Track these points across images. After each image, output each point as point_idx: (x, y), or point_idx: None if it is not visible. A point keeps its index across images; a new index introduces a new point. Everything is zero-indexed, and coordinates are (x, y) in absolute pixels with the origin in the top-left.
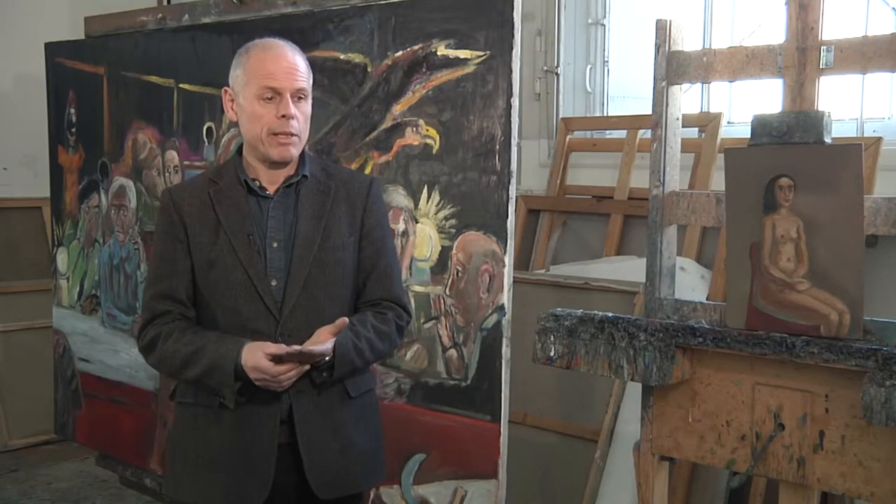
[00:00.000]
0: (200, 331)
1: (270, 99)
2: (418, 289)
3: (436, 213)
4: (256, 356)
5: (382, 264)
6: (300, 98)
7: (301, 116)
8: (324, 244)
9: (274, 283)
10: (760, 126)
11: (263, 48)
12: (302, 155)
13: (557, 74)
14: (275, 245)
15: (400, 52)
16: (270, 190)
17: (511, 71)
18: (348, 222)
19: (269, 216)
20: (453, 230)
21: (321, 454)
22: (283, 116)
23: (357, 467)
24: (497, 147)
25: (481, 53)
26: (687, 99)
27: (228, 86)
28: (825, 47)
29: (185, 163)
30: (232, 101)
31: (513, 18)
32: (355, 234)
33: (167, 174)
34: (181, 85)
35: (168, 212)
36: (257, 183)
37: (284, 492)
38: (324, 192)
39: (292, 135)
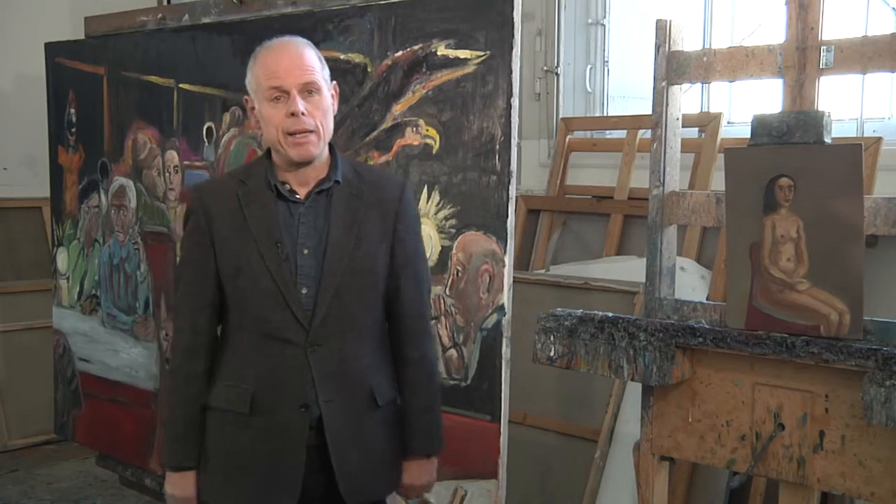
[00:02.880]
0: (193, 413)
1: (278, 99)
2: None
3: (436, 213)
4: (184, 489)
5: (412, 271)
6: (311, 92)
7: (315, 111)
8: (355, 252)
9: (304, 290)
10: (760, 126)
11: (267, 49)
12: (334, 157)
13: (557, 74)
14: (305, 252)
15: (400, 52)
16: (301, 194)
17: (511, 71)
18: (380, 228)
19: (300, 222)
20: (453, 230)
21: (352, 462)
22: (292, 114)
23: (382, 474)
24: (497, 147)
25: (481, 53)
26: (687, 99)
27: (247, 94)
28: (825, 47)
29: (185, 163)
30: (252, 108)
31: (513, 18)
32: (387, 241)
33: (167, 174)
34: (181, 85)
35: (196, 214)
36: (287, 187)
37: (311, 493)
38: (356, 196)
39: (307, 131)
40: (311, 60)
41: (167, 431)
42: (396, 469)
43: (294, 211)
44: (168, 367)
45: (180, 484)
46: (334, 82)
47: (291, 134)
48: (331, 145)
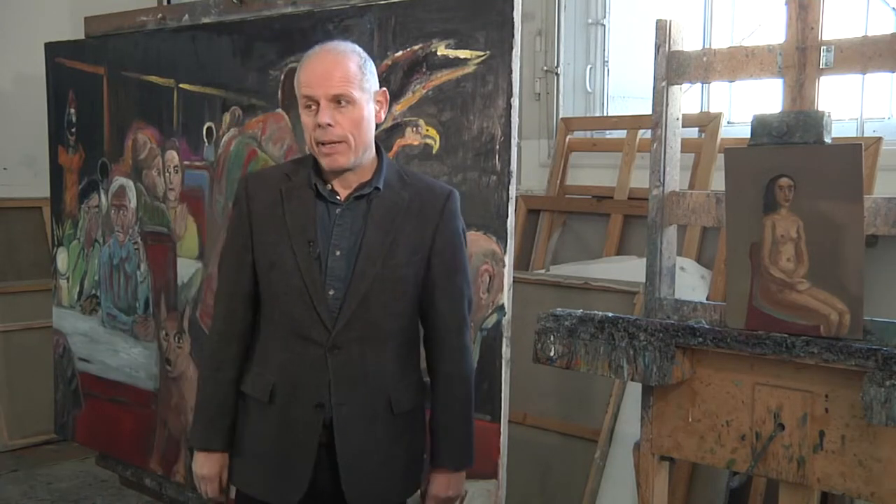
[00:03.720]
0: (223, 396)
1: (310, 107)
2: None
3: None
4: (210, 468)
5: (450, 284)
6: (341, 103)
7: (345, 121)
8: (388, 260)
9: (332, 292)
10: (760, 126)
11: (308, 56)
12: (380, 160)
13: (557, 74)
14: (338, 254)
15: (400, 52)
16: (342, 195)
17: (511, 71)
18: (418, 238)
19: (335, 223)
20: None
21: (360, 467)
22: (319, 125)
23: (391, 482)
24: (497, 147)
25: (481, 53)
26: (687, 99)
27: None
28: (825, 47)
29: (185, 163)
30: None
31: (513, 18)
32: (423, 252)
33: (167, 174)
34: (181, 85)
35: (240, 202)
36: (329, 187)
37: (321, 489)
38: (397, 203)
39: (335, 142)
40: (347, 70)
41: (197, 413)
42: (411, 478)
43: (332, 212)
44: (203, 351)
45: (206, 464)
46: (383, 89)
47: (320, 144)
48: (380, 149)
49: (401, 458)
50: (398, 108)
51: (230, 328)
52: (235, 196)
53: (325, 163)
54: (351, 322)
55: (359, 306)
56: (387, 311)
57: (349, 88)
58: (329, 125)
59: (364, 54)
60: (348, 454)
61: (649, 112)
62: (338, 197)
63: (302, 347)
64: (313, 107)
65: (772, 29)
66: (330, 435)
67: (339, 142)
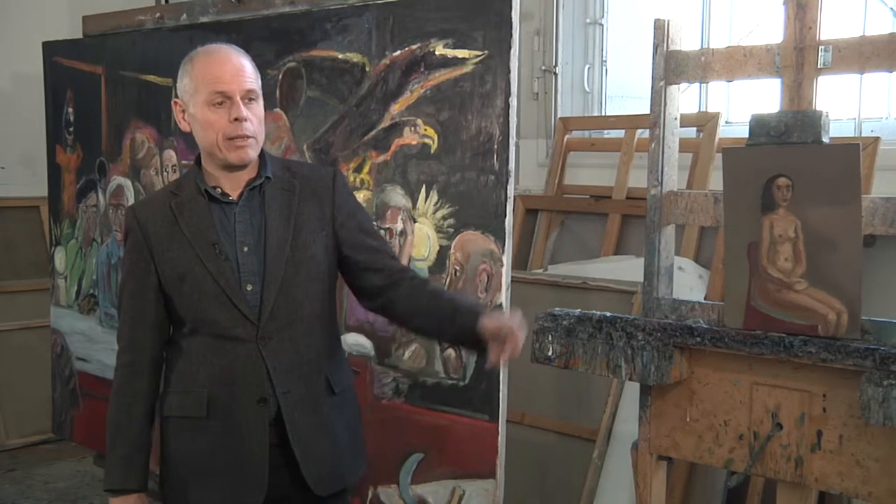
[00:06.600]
0: (138, 432)
1: (221, 104)
2: None
3: (434, 213)
4: None
5: (372, 240)
6: (251, 100)
7: (254, 118)
8: (295, 243)
9: (250, 287)
10: (758, 126)
11: (207, 54)
12: (262, 156)
13: (556, 74)
14: (245, 250)
15: (398, 52)
16: (234, 195)
17: (509, 70)
18: (318, 217)
19: (236, 221)
20: (451, 230)
21: (314, 452)
22: (236, 120)
23: (345, 461)
24: (495, 147)
25: (479, 53)
26: (685, 99)
27: (178, 97)
28: (823, 47)
29: (184, 162)
30: (183, 111)
31: (511, 18)
32: (327, 229)
33: (165, 173)
34: None
35: (133, 231)
36: (219, 190)
37: (276, 492)
38: (289, 190)
39: (248, 137)
40: (252, 70)
41: (111, 451)
42: (358, 457)
43: (229, 212)
44: (113, 385)
45: None
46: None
47: (231, 138)
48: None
49: (345, 437)
50: (396, 108)
51: (139, 358)
52: (126, 228)
53: (233, 157)
54: (275, 311)
55: (279, 294)
56: (306, 294)
57: (256, 85)
58: (246, 119)
59: None
60: (301, 440)
61: (647, 112)
62: (230, 197)
63: (232, 348)
64: (225, 103)
65: (770, 29)
66: (276, 434)
67: (251, 136)
